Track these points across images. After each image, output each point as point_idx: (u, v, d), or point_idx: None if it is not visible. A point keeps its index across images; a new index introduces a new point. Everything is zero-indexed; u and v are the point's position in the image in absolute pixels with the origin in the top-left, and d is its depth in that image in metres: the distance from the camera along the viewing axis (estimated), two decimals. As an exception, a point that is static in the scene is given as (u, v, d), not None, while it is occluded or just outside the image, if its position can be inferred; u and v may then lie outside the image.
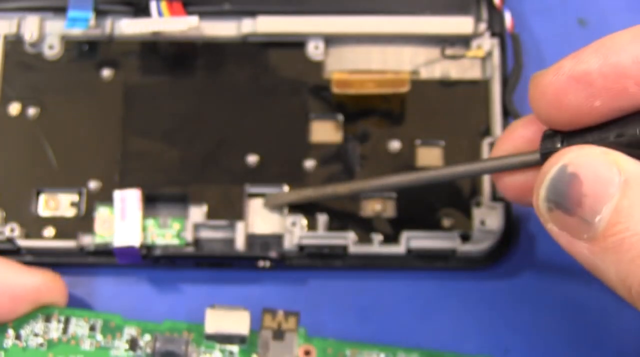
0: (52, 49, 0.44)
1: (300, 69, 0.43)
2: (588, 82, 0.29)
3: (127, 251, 0.40)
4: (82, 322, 0.38)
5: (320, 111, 0.43)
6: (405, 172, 0.38)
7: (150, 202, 0.41)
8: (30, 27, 0.43)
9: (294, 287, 0.42)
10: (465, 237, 0.41)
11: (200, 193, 0.41)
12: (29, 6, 0.44)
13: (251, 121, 0.43)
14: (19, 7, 0.44)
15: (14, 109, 0.43)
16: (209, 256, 0.41)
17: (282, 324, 0.38)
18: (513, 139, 0.34)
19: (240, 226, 0.41)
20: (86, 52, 0.44)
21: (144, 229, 0.41)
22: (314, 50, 0.43)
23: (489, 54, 0.43)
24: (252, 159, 0.42)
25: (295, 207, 0.41)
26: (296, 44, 0.44)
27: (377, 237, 0.41)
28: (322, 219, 0.41)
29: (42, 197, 0.42)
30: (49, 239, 0.41)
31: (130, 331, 0.38)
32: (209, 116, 0.43)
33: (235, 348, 0.38)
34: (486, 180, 0.41)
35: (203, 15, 0.43)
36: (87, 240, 0.41)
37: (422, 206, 0.41)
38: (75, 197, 0.42)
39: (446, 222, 0.41)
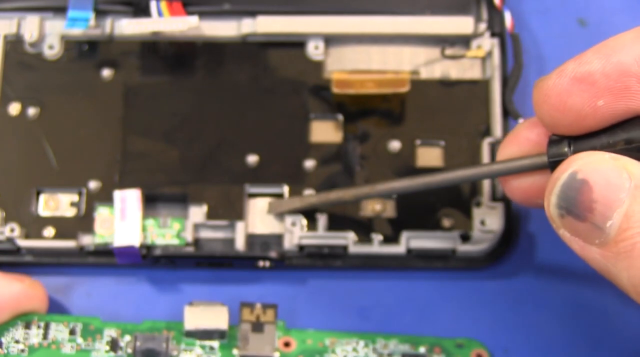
0: (52, 49, 0.44)
1: (300, 69, 0.43)
2: (591, 82, 0.29)
3: (127, 251, 0.40)
4: (62, 326, 0.39)
5: (320, 111, 0.43)
6: (411, 176, 0.38)
7: (150, 202, 0.42)
8: (30, 27, 0.43)
9: (294, 287, 0.42)
10: (465, 237, 0.41)
11: (200, 193, 0.41)
12: (29, 6, 0.44)
13: (251, 121, 0.43)
14: (19, 7, 0.44)
15: (14, 109, 0.43)
16: (209, 256, 0.41)
17: (261, 317, 0.38)
18: (518, 141, 0.34)
19: (240, 226, 0.41)
20: (86, 52, 0.44)
21: (144, 229, 0.41)
22: (314, 50, 0.43)
23: (489, 54, 0.43)
24: (252, 159, 0.42)
25: (295, 207, 0.41)
26: (296, 44, 0.44)
27: (377, 237, 0.41)
28: (322, 219, 0.41)
29: (42, 197, 0.42)
30: (49, 239, 0.41)
31: (110, 333, 0.39)
32: (208, 116, 0.43)
33: (215, 344, 0.38)
34: (486, 180, 0.41)
35: (203, 15, 0.43)
36: (87, 240, 0.41)
37: (422, 206, 0.41)
38: (75, 197, 0.42)
39: (446, 222, 0.41)
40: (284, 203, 0.41)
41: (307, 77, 0.43)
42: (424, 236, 0.41)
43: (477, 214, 0.41)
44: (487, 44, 0.43)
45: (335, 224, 0.41)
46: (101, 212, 0.41)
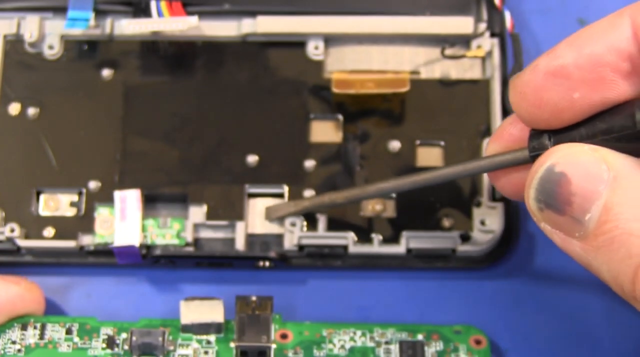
0: (52, 49, 0.44)
1: (300, 68, 0.43)
2: (565, 75, 0.29)
3: (127, 251, 0.40)
4: (58, 327, 0.39)
5: (320, 111, 0.43)
6: (400, 176, 0.38)
7: (150, 202, 0.42)
8: (30, 27, 0.43)
9: (294, 287, 0.42)
10: (465, 237, 0.41)
11: (200, 193, 0.41)
12: (29, 6, 0.44)
13: (251, 121, 0.43)
14: (19, 7, 0.44)
15: (14, 109, 0.43)
16: (209, 256, 0.41)
17: (257, 309, 0.38)
18: (503, 138, 0.34)
19: (240, 226, 0.41)
20: (86, 52, 0.44)
21: (144, 229, 0.41)
22: (314, 50, 0.43)
23: (489, 54, 0.43)
24: (252, 159, 0.42)
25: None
26: (296, 43, 0.44)
27: (377, 237, 0.41)
28: (322, 219, 0.41)
29: (42, 197, 0.42)
30: (49, 239, 0.41)
31: (106, 331, 0.39)
32: (208, 116, 0.43)
33: (212, 337, 0.38)
34: (486, 180, 0.41)
35: (203, 15, 0.43)
36: (87, 240, 0.41)
37: (422, 206, 0.41)
38: (75, 197, 0.42)
39: (446, 222, 0.41)
40: (280, 208, 0.41)
41: (307, 77, 0.43)
42: (424, 236, 0.41)
43: (477, 214, 0.41)
44: (487, 44, 0.43)
45: (335, 224, 0.41)
46: (101, 212, 0.41)
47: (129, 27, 0.42)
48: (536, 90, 0.30)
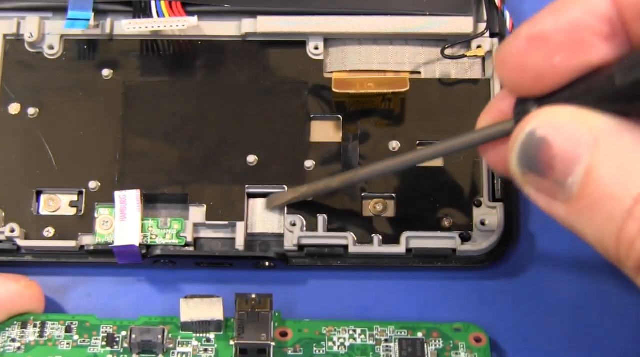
0: (52, 49, 0.44)
1: (301, 68, 0.43)
2: (545, 39, 0.29)
3: (127, 251, 0.40)
4: (58, 325, 0.39)
5: (320, 111, 0.43)
6: (390, 158, 0.37)
7: (150, 202, 0.42)
8: (30, 27, 0.43)
9: (294, 287, 0.42)
10: (465, 237, 0.41)
11: (200, 193, 0.41)
12: (29, 6, 0.44)
13: (251, 121, 0.43)
14: (19, 7, 0.44)
15: (14, 109, 0.43)
16: (209, 256, 0.41)
17: (256, 307, 0.38)
18: (492, 113, 0.34)
19: (240, 226, 0.41)
20: (86, 51, 0.44)
21: (144, 229, 0.41)
22: (314, 50, 0.43)
23: (489, 54, 0.43)
24: (252, 159, 0.42)
25: (295, 207, 0.41)
26: (296, 43, 0.44)
27: (377, 237, 0.41)
28: (322, 219, 0.41)
29: (42, 197, 0.42)
30: (48, 239, 0.41)
31: (106, 329, 0.39)
32: (208, 116, 0.43)
33: (211, 335, 0.38)
34: (486, 180, 0.41)
35: (203, 15, 0.43)
36: (87, 240, 0.41)
37: (422, 206, 0.41)
38: (75, 197, 0.42)
39: (446, 222, 0.41)
40: (279, 197, 0.41)
41: (307, 77, 0.43)
42: (424, 236, 0.41)
43: (477, 214, 0.41)
44: (487, 44, 0.43)
45: (335, 224, 0.41)
46: (101, 212, 0.41)
47: (129, 27, 0.42)
48: (518, 56, 0.30)
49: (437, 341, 0.39)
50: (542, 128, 0.29)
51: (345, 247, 0.41)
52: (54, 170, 0.42)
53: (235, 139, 0.42)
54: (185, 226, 0.41)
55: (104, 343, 0.38)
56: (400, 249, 0.41)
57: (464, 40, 0.43)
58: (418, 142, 0.42)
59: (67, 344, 0.38)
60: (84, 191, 0.42)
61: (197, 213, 0.41)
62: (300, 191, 0.40)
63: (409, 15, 0.43)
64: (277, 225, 0.41)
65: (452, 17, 0.43)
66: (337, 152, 0.42)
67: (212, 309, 0.38)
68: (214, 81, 0.43)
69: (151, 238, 0.41)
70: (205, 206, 0.41)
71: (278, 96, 0.43)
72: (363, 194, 0.41)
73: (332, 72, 0.43)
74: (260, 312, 0.38)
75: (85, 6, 0.43)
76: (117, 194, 0.41)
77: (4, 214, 0.41)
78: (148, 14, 0.43)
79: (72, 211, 0.42)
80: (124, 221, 0.40)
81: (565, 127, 0.28)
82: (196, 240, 0.41)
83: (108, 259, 0.41)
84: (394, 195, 0.41)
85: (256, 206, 0.42)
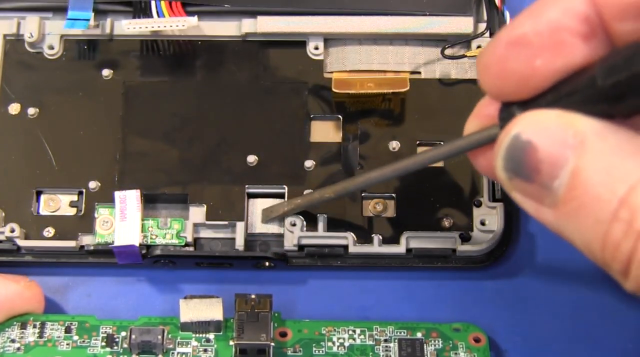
0: (52, 49, 0.44)
1: (301, 68, 0.43)
2: (525, 43, 0.29)
3: (127, 251, 0.40)
4: (57, 325, 0.39)
5: (320, 111, 0.43)
6: (383, 166, 0.37)
7: (150, 202, 0.42)
8: (30, 27, 0.43)
9: (294, 287, 0.42)
10: (465, 238, 0.41)
11: (200, 193, 0.41)
12: (29, 6, 0.44)
13: (251, 121, 0.43)
14: (19, 7, 0.44)
15: (14, 108, 0.43)
16: (208, 256, 0.41)
17: (256, 307, 0.38)
18: (479, 118, 0.34)
19: (240, 226, 0.41)
20: (86, 51, 0.44)
21: (144, 229, 0.41)
22: (314, 50, 0.43)
23: (489, 54, 0.43)
24: (252, 159, 0.42)
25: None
26: (296, 43, 0.44)
27: (377, 237, 0.41)
28: (322, 219, 0.41)
29: (42, 197, 0.42)
30: (48, 239, 0.41)
31: (105, 330, 0.39)
32: (208, 116, 0.43)
33: (211, 336, 0.39)
34: (486, 180, 0.41)
35: (203, 15, 0.43)
36: (87, 240, 0.41)
37: (422, 206, 0.41)
38: (75, 197, 0.42)
39: (446, 222, 0.41)
40: (274, 209, 0.41)
41: (307, 77, 0.43)
42: (424, 236, 0.41)
43: (477, 214, 0.41)
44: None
45: (335, 224, 0.41)
46: (101, 212, 0.41)
47: (129, 27, 0.42)
48: (499, 62, 0.29)
49: (437, 341, 0.39)
50: (527, 131, 0.28)
51: (345, 247, 0.41)
52: (54, 170, 0.42)
53: (235, 139, 0.42)
54: (185, 226, 0.41)
55: (103, 343, 0.38)
56: (400, 249, 0.41)
57: (464, 41, 0.43)
58: (418, 142, 0.42)
59: (67, 344, 0.38)
60: (84, 191, 0.42)
61: (197, 213, 0.41)
62: (296, 202, 0.40)
63: (409, 15, 0.43)
64: (277, 225, 0.41)
65: (452, 17, 0.43)
66: (337, 152, 0.42)
67: (211, 310, 0.38)
68: (214, 81, 0.43)
69: (151, 238, 0.41)
70: (205, 206, 0.41)
71: (278, 96, 0.43)
72: (363, 194, 0.41)
73: (332, 72, 0.43)
74: (259, 313, 0.38)
75: (85, 6, 0.43)
76: (117, 194, 0.41)
77: (4, 214, 0.41)
78: (148, 14, 0.43)
79: (72, 211, 0.42)
80: (124, 221, 0.40)
81: (551, 129, 0.28)
82: (196, 240, 0.41)
83: (108, 259, 0.41)
84: (394, 195, 0.41)
85: (256, 206, 0.42)
